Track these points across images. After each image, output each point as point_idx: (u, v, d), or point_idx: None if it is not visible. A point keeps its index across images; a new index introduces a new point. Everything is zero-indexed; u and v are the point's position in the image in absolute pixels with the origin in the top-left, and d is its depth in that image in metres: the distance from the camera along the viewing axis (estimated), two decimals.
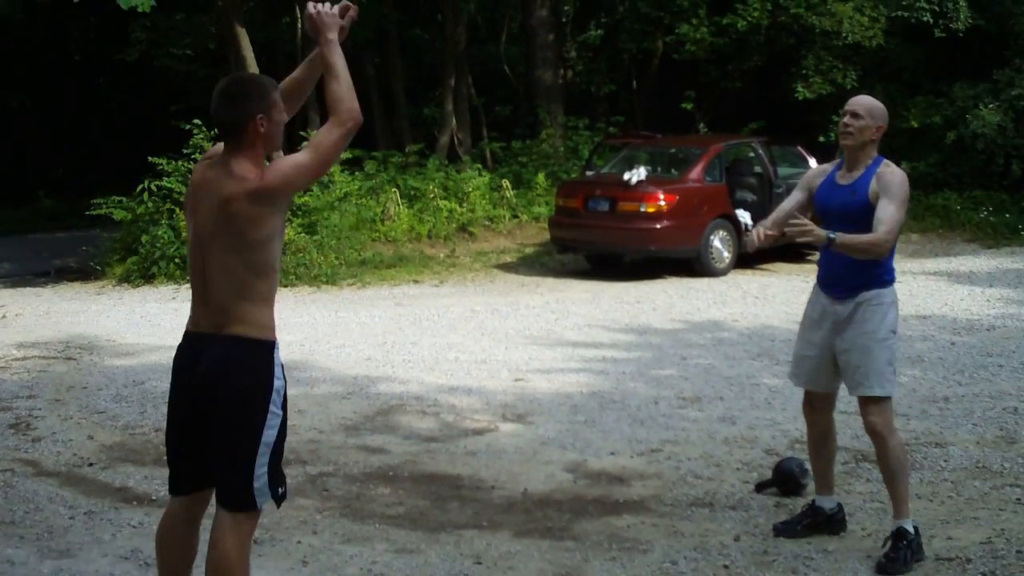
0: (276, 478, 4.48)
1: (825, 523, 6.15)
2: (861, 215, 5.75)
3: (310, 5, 4.59)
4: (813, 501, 6.25)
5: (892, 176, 5.77)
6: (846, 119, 5.86)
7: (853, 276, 5.84)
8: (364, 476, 7.40)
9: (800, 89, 21.32)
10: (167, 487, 4.72)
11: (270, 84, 4.53)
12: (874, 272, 5.83)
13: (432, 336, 12.09)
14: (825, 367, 6.02)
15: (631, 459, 7.64)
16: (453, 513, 6.69)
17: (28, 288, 17.23)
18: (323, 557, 5.98)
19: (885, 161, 5.90)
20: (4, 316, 14.11)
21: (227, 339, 4.39)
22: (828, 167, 6.19)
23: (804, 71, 21.48)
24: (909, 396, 8.97)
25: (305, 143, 4.35)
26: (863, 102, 5.93)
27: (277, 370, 4.47)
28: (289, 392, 8.92)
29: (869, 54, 21.48)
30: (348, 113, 4.41)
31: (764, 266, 16.63)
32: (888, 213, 5.66)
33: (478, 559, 5.93)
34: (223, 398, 4.37)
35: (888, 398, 5.84)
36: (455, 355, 11.05)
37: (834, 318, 5.92)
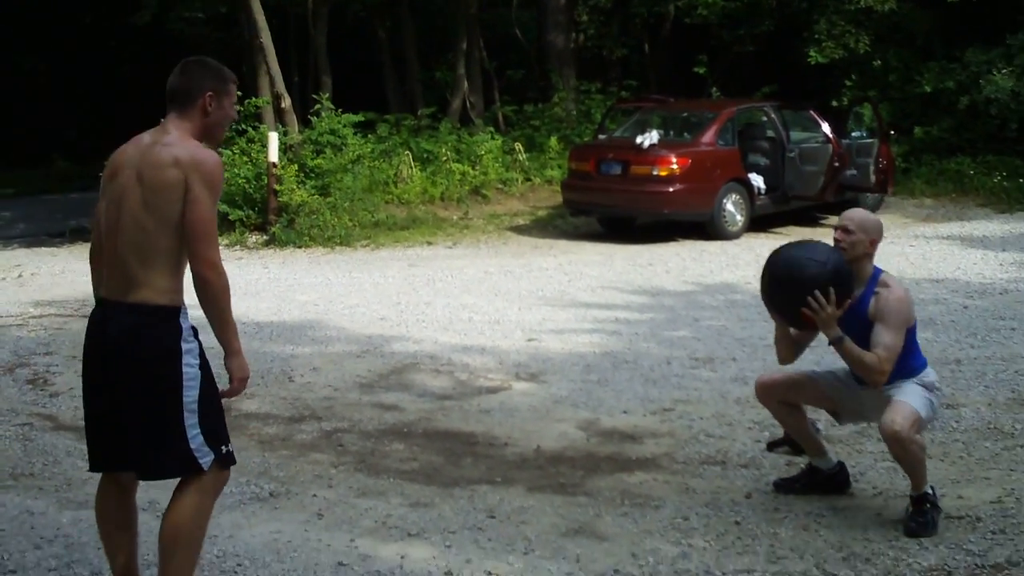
0: (214, 436, 4.43)
1: (824, 482, 6.17)
2: (862, 331, 5.66)
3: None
4: (810, 463, 6.29)
5: (889, 297, 5.65)
6: (837, 234, 5.76)
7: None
8: (378, 432, 7.46)
9: (813, 53, 21.24)
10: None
11: (230, 75, 4.58)
12: (902, 370, 5.72)
13: (446, 297, 12.14)
14: (826, 393, 6.05)
15: (643, 418, 7.69)
16: (467, 469, 6.75)
17: (43, 248, 17.35)
18: (338, 510, 6.04)
19: (883, 277, 5.77)
20: (21, 275, 14.20)
21: (133, 307, 4.35)
22: None
23: (816, 35, 21.41)
24: None
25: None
26: (854, 216, 5.82)
27: (185, 333, 4.40)
28: (304, 351, 9.01)
29: (882, 18, 21.38)
30: (221, 274, 4.39)
31: (777, 229, 16.64)
32: (885, 340, 5.57)
33: (491, 513, 5.98)
34: (132, 368, 4.33)
35: (918, 415, 5.62)
36: (469, 315, 11.10)
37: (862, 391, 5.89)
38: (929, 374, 5.83)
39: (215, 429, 4.45)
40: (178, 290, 4.41)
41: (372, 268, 14.33)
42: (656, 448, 7.07)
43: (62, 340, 10.06)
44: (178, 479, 4.47)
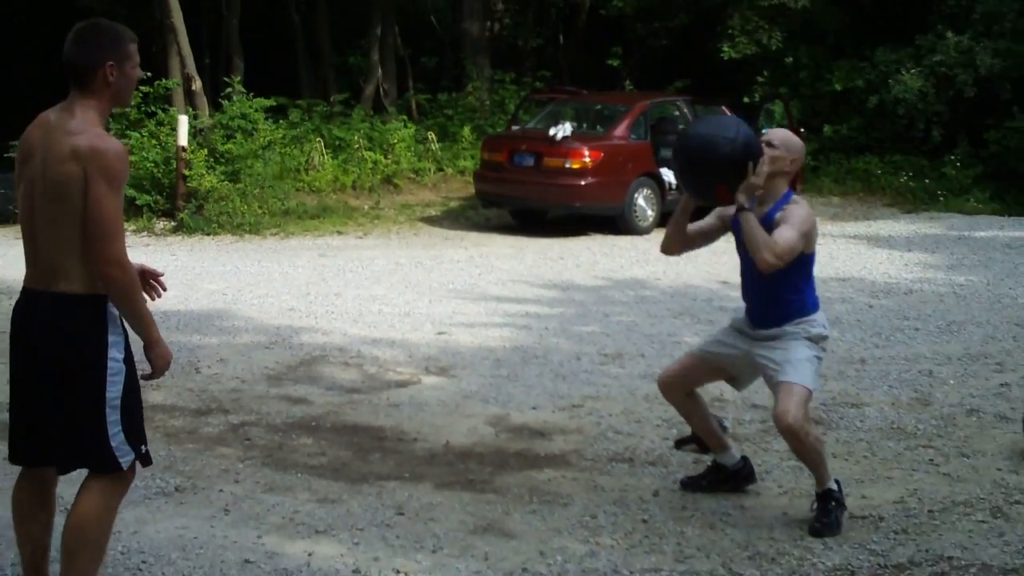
0: (134, 435, 4.37)
1: (729, 478, 6.22)
2: None
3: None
4: (714, 460, 6.34)
5: (794, 209, 5.69)
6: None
7: (774, 308, 5.80)
8: (286, 426, 7.40)
9: (726, 49, 21.46)
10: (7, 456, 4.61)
11: (127, 35, 4.38)
12: (796, 304, 5.77)
13: (356, 288, 12.08)
14: (728, 361, 6.03)
15: (552, 414, 7.71)
16: (375, 464, 6.72)
17: None
18: (245, 506, 5.99)
19: (794, 197, 5.81)
20: None
21: (55, 297, 4.24)
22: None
23: (730, 30, 21.61)
24: (827, 357, 9.07)
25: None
26: (779, 134, 5.89)
27: (111, 325, 4.30)
28: (212, 341, 8.90)
29: (795, 15, 21.64)
30: (128, 269, 4.28)
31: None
32: (784, 234, 5.55)
33: (400, 510, 5.96)
34: (56, 358, 4.25)
35: (808, 392, 5.69)
36: (379, 307, 11.05)
37: (755, 336, 5.88)
38: (818, 321, 5.83)
39: (137, 428, 4.39)
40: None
41: (281, 257, 14.22)
42: (565, 445, 7.09)
43: None
44: (84, 475, 4.40)
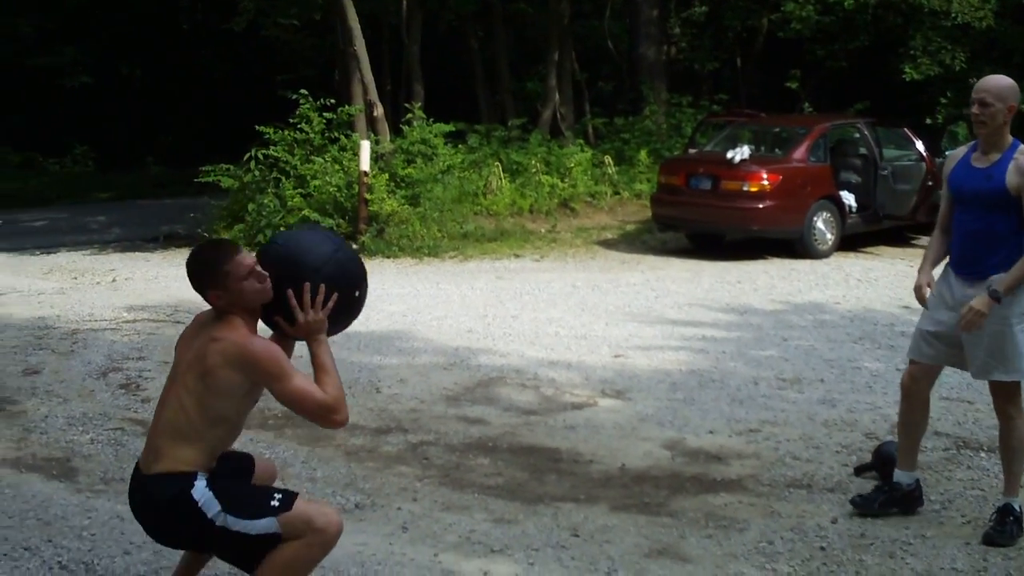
0: (257, 508, 4.39)
1: (902, 499, 6.16)
2: (996, 201, 5.68)
3: (299, 315, 4.52)
4: (892, 475, 6.25)
5: None
6: (975, 108, 5.71)
7: (988, 257, 5.77)
8: (464, 446, 7.50)
9: (908, 70, 21.00)
10: None
11: (222, 254, 4.47)
12: (1005, 253, 5.72)
13: (532, 310, 12.16)
14: (943, 345, 5.97)
15: (729, 438, 7.66)
16: (551, 485, 6.76)
17: (137, 253, 17.62)
18: (423, 524, 6.08)
19: (1022, 147, 5.75)
20: (115, 280, 14.44)
21: (149, 480, 4.43)
22: (962, 151, 6.05)
23: (912, 51, 21.16)
24: None
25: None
26: (988, 87, 5.75)
27: (197, 493, 4.35)
28: (392, 361, 9.07)
29: (978, 35, 21.09)
30: (342, 411, 4.47)
31: (867, 249, 16.49)
32: None
33: (575, 531, 5.99)
34: (162, 535, 4.54)
35: (1019, 383, 5.84)
36: (555, 329, 11.11)
37: (963, 299, 5.82)
38: None
39: (255, 504, 4.43)
40: (199, 462, 4.44)
41: (460, 280, 14.39)
42: (741, 469, 7.03)
43: (155, 345, 10.21)
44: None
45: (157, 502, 4.39)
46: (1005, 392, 5.84)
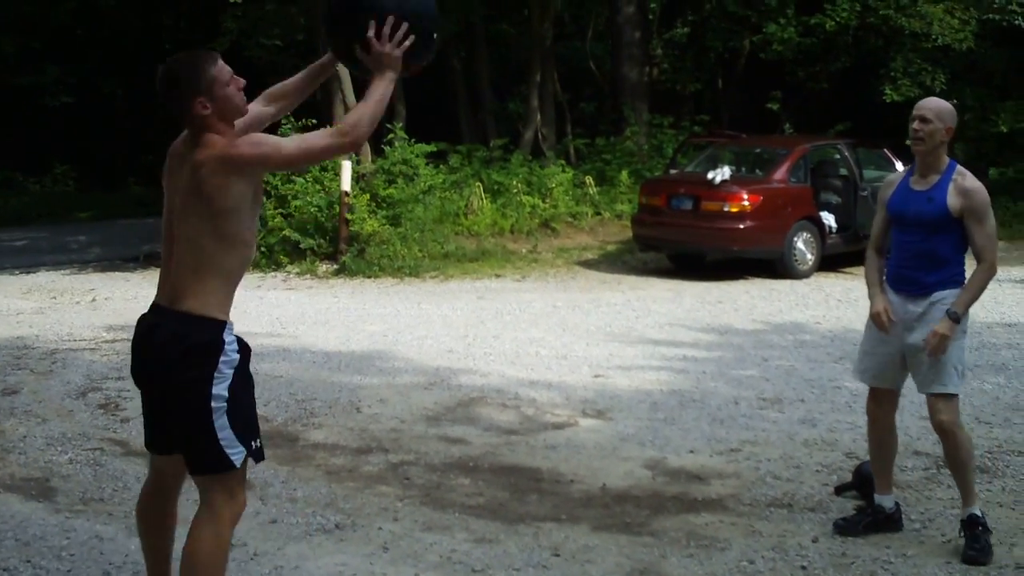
0: (244, 431, 4.36)
1: (885, 521, 6.18)
2: (938, 223, 5.83)
3: (376, 46, 4.44)
4: (873, 499, 6.28)
5: (974, 192, 5.79)
6: (915, 124, 5.84)
7: (926, 275, 5.92)
8: (444, 466, 7.48)
9: (888, 91, 21.13)
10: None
11: (206, 60, 4.37)
12: (947, 272, 5.91)
13: (513, 330, 12.16)
14: (893, 364, 6.08)
15: (710, 458, 7.65)
16: (532, 505, 6.75)
17: (117, 272, 17.59)
18: (403, 544, 6.06)
19: (959, 168, 5.90)
20: (94, 299, 14.40)
21: (178, 315, 4.32)
22: (896, 176, 6.21)
23: (892, 73, 21.30)
24: (993, 404, 8.91)
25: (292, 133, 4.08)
26: (930, 105, 5.92)
27: (228, 347, 4.33)
28: (372, 381, 9.04)
29: (959, 57, 21.25)
30: (354, 131, 4.36)
31: (847, 269, 16.53)
32: (984, 238, 5.79)
33: (556, 551, 5.98)
34: (171, 375, 4.30)
35: (956, 396, 5.91)
36: (536, 350, 11.11)
37: (904, 316, 5.96)
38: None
39: (245, 425, 4.38)
40: (225, 305, 4.39)
41: (441, 300, 14.38)
42: (723, 489, 7.03)
43: None
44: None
45: (190, 341, 4.28)
46: (942, 407, 5.86)
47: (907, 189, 6.00)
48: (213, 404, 4.27)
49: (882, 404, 6.20)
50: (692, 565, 5.80)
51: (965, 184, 5.81)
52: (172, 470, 4.63)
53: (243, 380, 4.39)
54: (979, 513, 5.91)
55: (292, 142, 4.34)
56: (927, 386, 5.91)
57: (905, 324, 5.96)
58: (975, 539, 5.81)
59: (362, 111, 4.38)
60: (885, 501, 6.22)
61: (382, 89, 4.45)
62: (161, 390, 4.38)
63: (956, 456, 5.91)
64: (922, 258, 5.91)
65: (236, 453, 4.33)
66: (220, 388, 4.28)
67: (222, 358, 4.30)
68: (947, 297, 5.86)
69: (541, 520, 6.46)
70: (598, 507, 6.71)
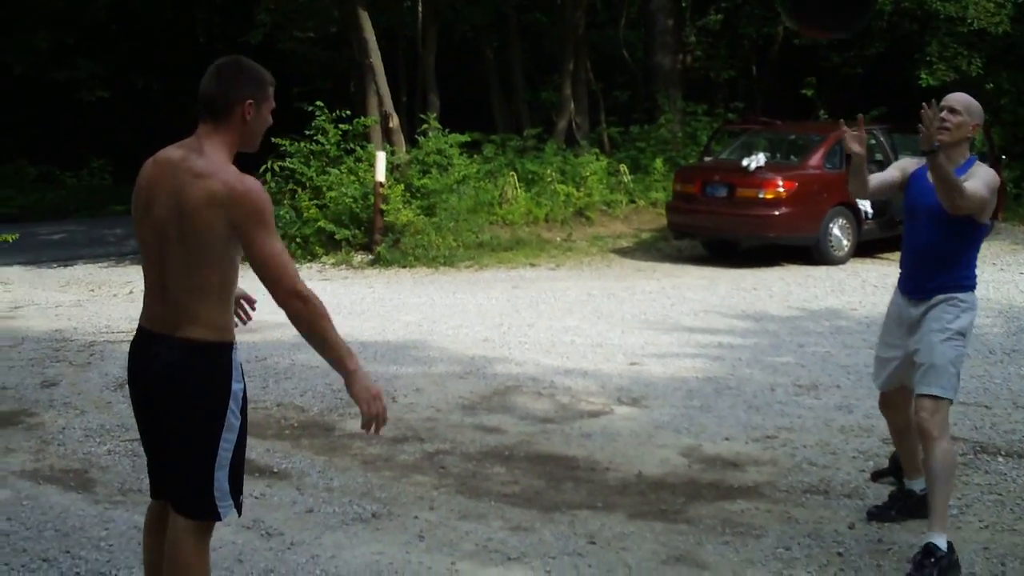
0: (236, 485, 4.25)
1: (916, 505, 6.12)
2: (945, 216, 5.64)
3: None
4: (903, 484, 6.26)
5: (980, 170, 5.68)
6: (944, 114, 5.70)
7: (928, 280, 5.78)
8: (480, 455, 7.50)
9: (924, 76, 20.97)
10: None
11: (268, 78, 4.26)
12: (950, 277, 5.74)
13: (548, 319, 12.17)
14: (902, 369, 5.95)
15: (746, 445, 7.64)
16: (568, 493, 6.76)
17: None
18: (439, 532, 6.08)
19: (978, 162, 5.79)
20: (131, 292, 14.47)
21: (182, 342, 4.11)
22: (916, 164, 6.06)
23: (928, 58, 21.14)
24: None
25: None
26: (961, 98, 5.80)
27: (235, 373, 4.18)
28: (408, 371, 9.07)
29: (995, 40, 21.06)
30: (309, 300, 4.06)
31: (883, 255, 16.45)
32: (973, 186, 5.54)
33: (592, 539, 5.98)
34: (178, 406, 4.13)
35: (946, 400, 5.63)
36: (571, 338, 11.11)
37: (909, 320, 5.85)
38: (972, 308, 5.78)
39: (238, 479, 4.28)
40: (228, 326, 4.22)
41: (476, 289, 14.40)
42: (758, 476, 7.02)
43: None
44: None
45: (196, 370, 4.12)
46: (927, 406, 5.61)
47: (922, 181, 5.87)
48: (220, 450, 4.16)
49: (891, 406, 6.15)
50: (728, 552, 5.79)
51: (977, 168, 5.71)
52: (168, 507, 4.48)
53: (243, 434, 4.28)
54: (942, 545, 5.43)
55: (281, 245, 4.11)
56: (920, 386, 5.70)
57: (909, 328, 5.85)
58: (920, 568, 5.38)
59: (325, 322, 4.09)
60: (914, 485, 6.19)
61: (345, 360, 4.14)
62: (168, 426, 4.21)
63: (930, 466, 5.55)
64: (929, 257, 5.78)
65: (225, 506, 4.23)
66: (228, 435, 4.17)
67: (233, 385, 4.16)
68: (947, 299, 5.72)
69: (577, 508, 6.47)
70: (634, 495, 6.71)
